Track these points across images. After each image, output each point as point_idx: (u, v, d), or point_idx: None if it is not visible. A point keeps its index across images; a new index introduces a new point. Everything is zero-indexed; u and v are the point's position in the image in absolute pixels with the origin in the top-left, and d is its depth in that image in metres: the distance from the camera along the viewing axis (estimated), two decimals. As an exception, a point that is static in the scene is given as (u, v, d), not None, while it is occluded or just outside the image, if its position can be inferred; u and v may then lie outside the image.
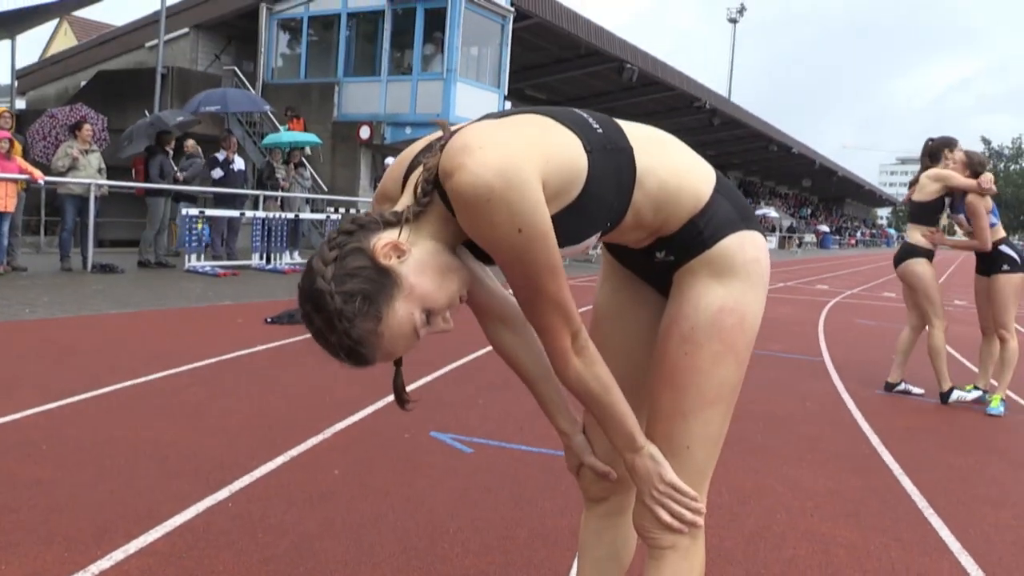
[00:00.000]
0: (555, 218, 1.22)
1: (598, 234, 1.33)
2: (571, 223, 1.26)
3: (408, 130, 16.24)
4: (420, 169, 1.24)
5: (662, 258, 1.40)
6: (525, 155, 1.16)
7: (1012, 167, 73.94)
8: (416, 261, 1.19)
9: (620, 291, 1.57)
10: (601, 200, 1.27)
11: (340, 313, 1.14)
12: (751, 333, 1.39)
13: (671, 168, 1.34)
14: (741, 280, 1.36)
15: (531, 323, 1.30)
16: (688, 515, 1.37)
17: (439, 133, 1.28)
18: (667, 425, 1.39)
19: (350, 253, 1.17)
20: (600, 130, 1.30)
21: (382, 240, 1.18)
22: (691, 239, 1.36)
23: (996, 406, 4.97)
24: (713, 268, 1.36)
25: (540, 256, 1.18)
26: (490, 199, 1.12)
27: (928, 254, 5.12)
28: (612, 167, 1.28)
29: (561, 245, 1.26)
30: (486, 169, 1.12)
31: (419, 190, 1.20)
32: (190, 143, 11.57)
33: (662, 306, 1.46)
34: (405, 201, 1.25)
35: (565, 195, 1.23)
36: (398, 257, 1.17)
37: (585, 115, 1.34)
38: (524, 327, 1.49)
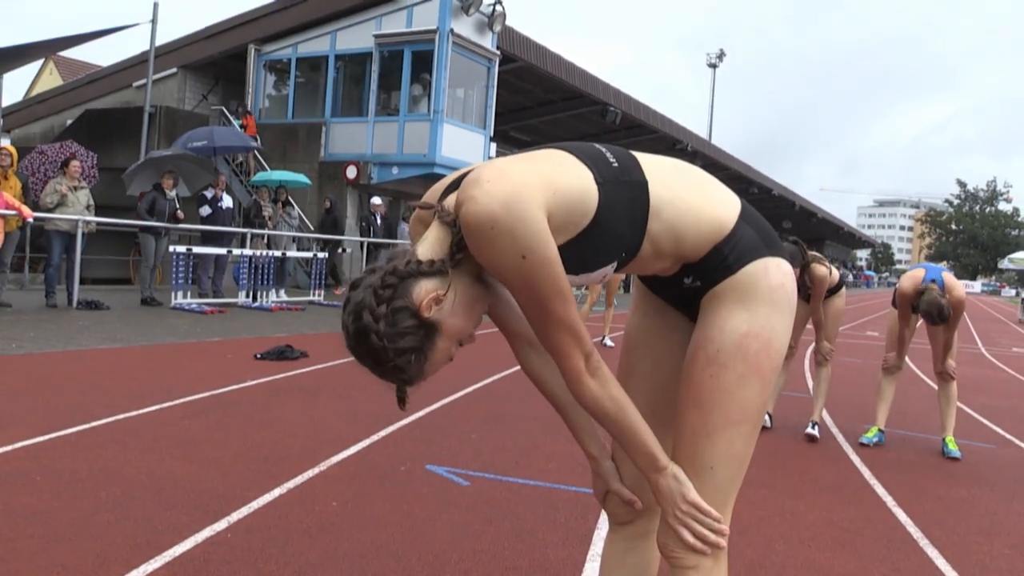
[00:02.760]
0: (567, 246, 1.30)
1: (614, 263, 1.39)
2: (583, 251, 1.33)
3: (395, 170, 16.35)
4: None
5: (690, 284, 1.44)
6: (530, 186, 1.24)
7: (987, 209, 75.23)
8: (451, 304, 1.30)
9: (649, 317, 1.61)
10: (613, 230, 1.33)
11: (396, 367, 1.29)
12: (777, 357, 1.42)
13: (689, 199, 1.39)
14: (766, 305, 1.40)
15: (544, 346, 1.35)
16: (711, 536, 1.39)
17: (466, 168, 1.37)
18: (692, 445, 1.41)
19: (399, 312, 1.27)
20: (616, 164, 1.37)
21: (423, 293, 1.28)
22: (716, 265, 1.40)
23: (954, 448, 4.79)
24: (738, 293, 1.40)
25: (546, 280, 1.25)
26: (493, 227, 1.21)
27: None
28: (624, 199, 1.34)
29: (575, 272, 1.34)
30: (491, 199, 1.20)
31: (453, 247, 1.29)
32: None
33: (691, 332, 1.50)
34: (432, 234, 1.33)
35: (574, 225, 1.30)
36: (437, 305, 1.28)
37: (603, 150, 1.40)
38: None
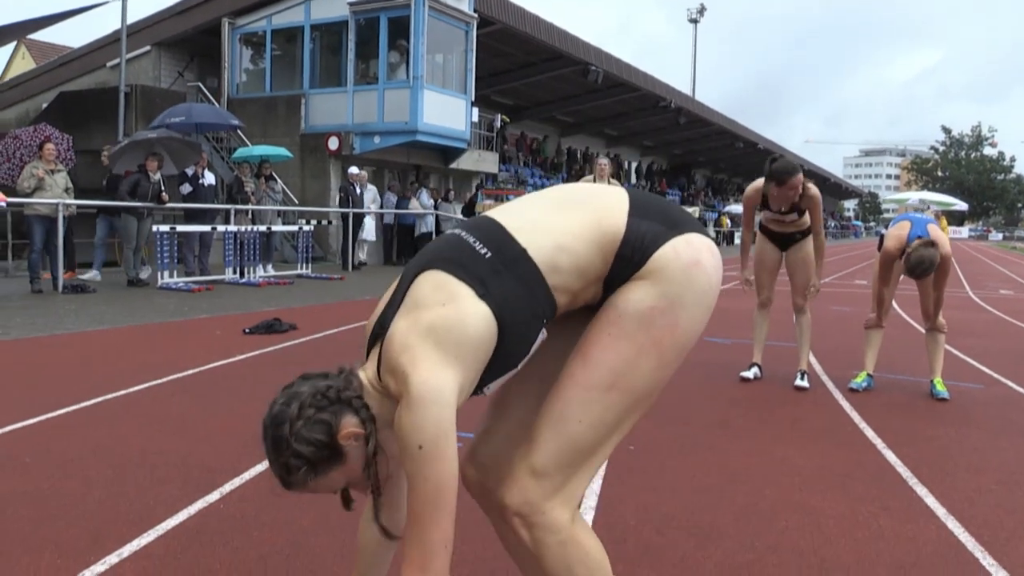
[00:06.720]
0: (493, 362, 1.35)
1: (541, 331, 1.41)
2: (509, 354, 1.37)
3: (377, 139, 16.19)
4: (377, 349, 1.39)
5: (609, 294, 1.45)
6: (448, 389, 1.27)
7: (972, 154, 75.28)
8: (364, 451, 1.37)
9: (556, 320, 1.58)
10: (521, 320, 1.35)
11: (287, 465, 1.36)
12: (683, 339, 1.41)
13: (571, 232, 1.39)
14: (678, 284, 1.39)
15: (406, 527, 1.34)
16: None
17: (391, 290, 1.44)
18: (568, 393, 1.41)
19: (319, 423, 1.34)
20: (488, 254, 1.36)
21: (349, 424, 1.35)
22: (624, 268, 1.40)
23: (942, 389, 4.83)
24: (650, 276, 1.39)
25: (431, 476, 1.27)
26: (422, 445, 1.26)
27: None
28: (512, 284, 1.34)
29: (516, 365, 1.40)
30: (421, 420, 1.25)
31: (373, 477, 1.38)
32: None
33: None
34: (370, 370, 1.40)
35: (489, 350, 1.33)
36: (355, 442, 1.36)
37: (471, 241, 1.38)
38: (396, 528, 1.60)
